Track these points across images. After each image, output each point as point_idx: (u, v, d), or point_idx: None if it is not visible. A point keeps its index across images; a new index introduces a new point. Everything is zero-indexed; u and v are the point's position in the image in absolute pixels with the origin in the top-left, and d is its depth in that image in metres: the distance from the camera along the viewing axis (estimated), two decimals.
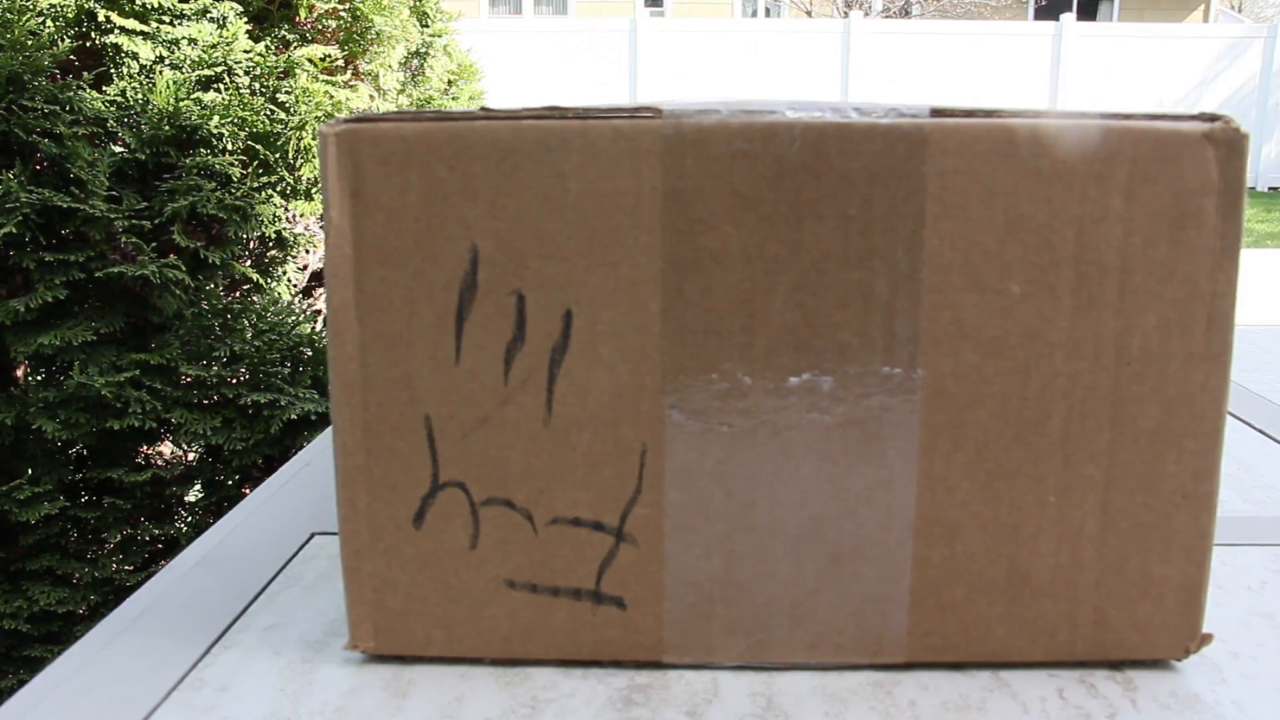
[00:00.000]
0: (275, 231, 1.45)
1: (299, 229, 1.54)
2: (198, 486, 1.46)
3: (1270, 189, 9.29)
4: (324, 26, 1.56)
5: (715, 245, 0.37)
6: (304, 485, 0.63)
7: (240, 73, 1.40)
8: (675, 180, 0.37)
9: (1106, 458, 0.39)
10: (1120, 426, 0.38)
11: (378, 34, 1.59)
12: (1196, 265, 0.37)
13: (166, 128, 1.32)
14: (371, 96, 1.63)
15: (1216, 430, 0.38)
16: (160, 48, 1.37)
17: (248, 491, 1.43)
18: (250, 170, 1.39)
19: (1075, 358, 0.38)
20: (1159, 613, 0.40)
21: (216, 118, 1.34)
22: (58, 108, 1.25)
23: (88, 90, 1.30)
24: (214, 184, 1.34)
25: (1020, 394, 0.38)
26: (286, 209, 1.49)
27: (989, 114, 0.37)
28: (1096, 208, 0.37)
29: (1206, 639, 0.40)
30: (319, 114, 1.43)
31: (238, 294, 1.48)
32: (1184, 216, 0.37)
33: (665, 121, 0.37)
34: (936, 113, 0.37)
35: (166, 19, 1.38)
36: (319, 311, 1.56)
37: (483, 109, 0.37)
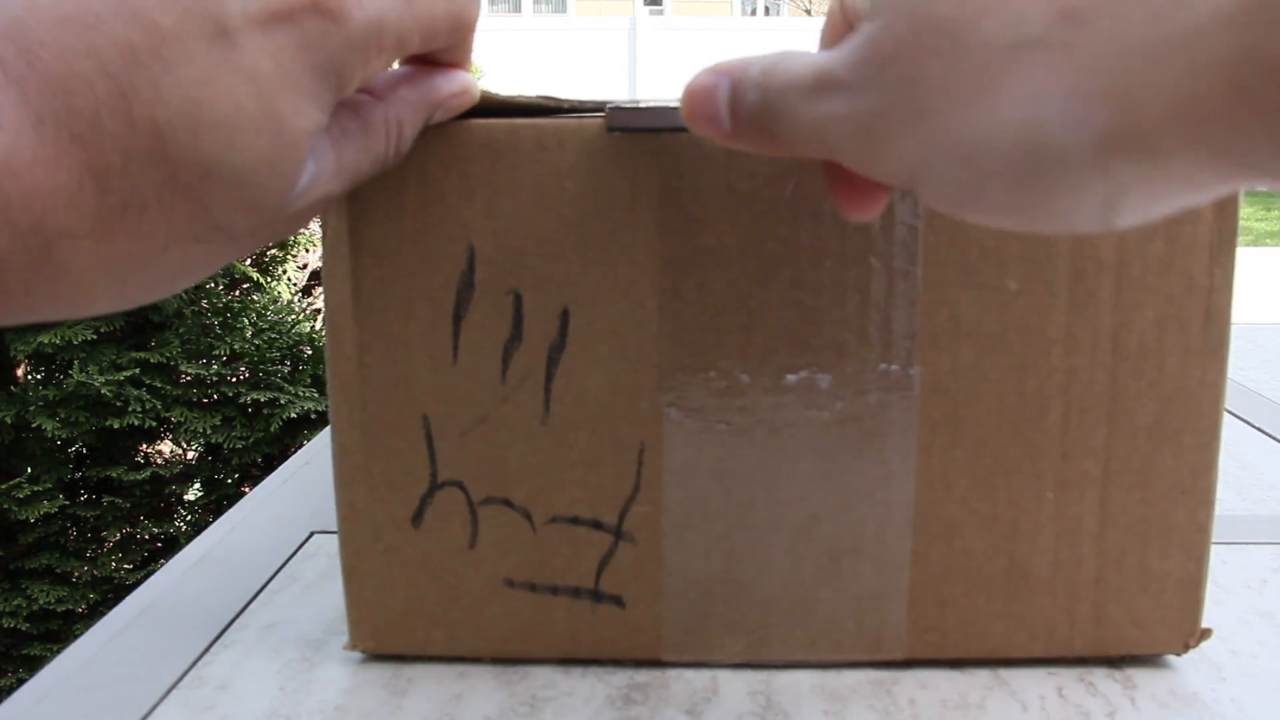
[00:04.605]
0: None
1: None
2: (197, 485, 1.47)
3: None
4: None
5: (712, 243, 0.37)
6: (303, 484, 0.63)
7: None
8: (672, 178, 0.37)
9: (1104, 453, 0.39)
10: (1118, 422, 0.38)
11: None
12: (1193, 260, 0.37)
13: None
14: None
15: (1214, 425, 0.38)
16: None
17: (247, 490, 1.43)
18: None
19: (1072, 353, 0.38)
20: (1158, 608, 0.40)
21: None
22: None
23: None
24: None
25: (1018, 390, 0.38)
26: None
27: None
28: None
29: (1205, 634, 0.40)
30: None
31: (238, 293, 1.48)
32: (1180, 211, 0.37)
33: None
34: None
35: None
36: (319, 310, 1.56)
37: None
